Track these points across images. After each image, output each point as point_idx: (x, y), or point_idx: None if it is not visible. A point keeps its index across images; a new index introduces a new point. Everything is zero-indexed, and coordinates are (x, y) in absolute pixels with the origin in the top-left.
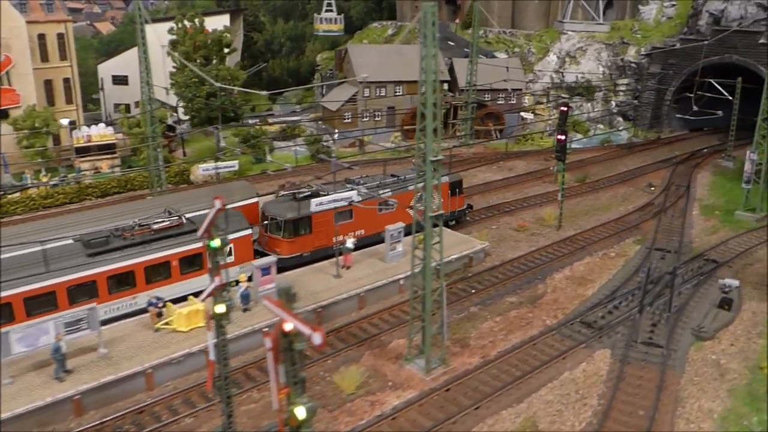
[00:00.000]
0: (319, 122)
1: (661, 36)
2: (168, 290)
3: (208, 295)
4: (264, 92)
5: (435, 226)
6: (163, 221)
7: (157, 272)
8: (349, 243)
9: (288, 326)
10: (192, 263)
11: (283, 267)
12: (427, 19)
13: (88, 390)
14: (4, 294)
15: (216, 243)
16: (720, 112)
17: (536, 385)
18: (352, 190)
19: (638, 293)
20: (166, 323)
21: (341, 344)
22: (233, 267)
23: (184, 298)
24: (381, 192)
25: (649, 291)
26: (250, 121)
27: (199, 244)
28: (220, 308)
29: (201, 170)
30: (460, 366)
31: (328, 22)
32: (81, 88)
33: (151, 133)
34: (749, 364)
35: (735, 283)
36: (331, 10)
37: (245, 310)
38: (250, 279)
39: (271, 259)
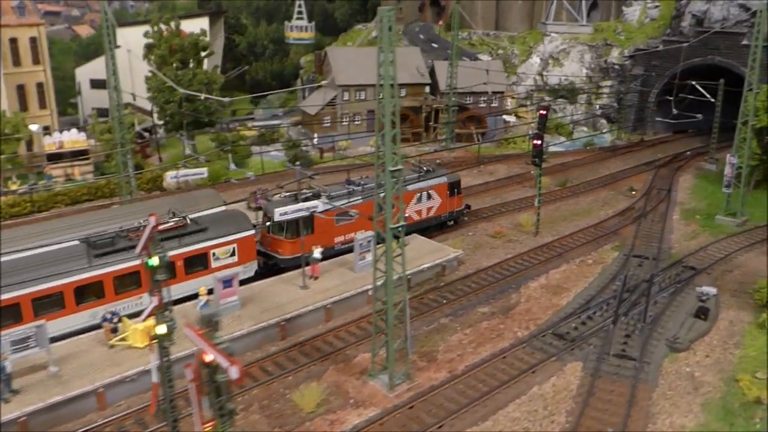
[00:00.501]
0: (299, 126)
1: (644, 37)
2: (173, 290)
3: (148, 315)
4: (227, 99)
5: (397, 237)
6: (168, 222)
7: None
8: (317, 253)
9: (209, 357)
10: (196, 263)
11: (285, 267)
12: (384, 24)
13: (34, 411)
14: (13, 294)
15: (154, 261)
16: (700, 115)
17: (503, 401)
18: (350, 193)
19: (613, 302)
20: (122, 339)
21: (304, 359)
22: (237, 267)
23: (187, 299)
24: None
25: (625, 300)
26: (229, 126)
27: (204, 245)
28: (162, 329)
29: (169, 178)
30: (425, 381)
31: (298, 30)
32: (60, 93)
33: (120, 139)
34: (724, 377)
35: (712, 291)
36: (302, 18)
37: None
38: (211, 292)
39: (234, 270)
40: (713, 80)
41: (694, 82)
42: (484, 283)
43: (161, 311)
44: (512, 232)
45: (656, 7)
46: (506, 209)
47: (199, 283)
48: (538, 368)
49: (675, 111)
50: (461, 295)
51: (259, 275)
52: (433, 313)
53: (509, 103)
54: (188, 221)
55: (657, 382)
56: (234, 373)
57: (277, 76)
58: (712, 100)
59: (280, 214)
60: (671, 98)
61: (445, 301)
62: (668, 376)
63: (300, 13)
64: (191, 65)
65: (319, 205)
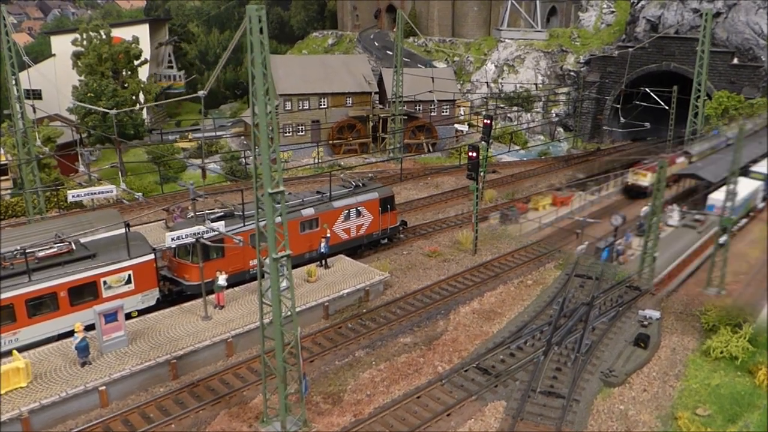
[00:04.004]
0: (242, 138)
1: (600, 43)
2: (55, 324)
3: None
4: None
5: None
6: (50, 248)
7: (43, 305)
8: (221, 279)
9: None
10: (83, 293)
11: (192, 294)
12: (254, 26)
13: None
14: None
15: None
16: (647, 124)
17: None
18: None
19: (548, 330)
20: None
21: (194, 402)
22: (134, 296)
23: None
24: (303, 210)
25: (560, 327)
26: (170, 137)
27: (92, 273)
28: None
29: (71, 196)
30: (325, 428)
31: (167, 79)
32: None
33: (24, 154)
34: (662, 414)
35: (656, 314)
36: (171, 67)
37: (83, 364)
38: (91, 327)
39: (118, 303)
40: (671, 87)
41: (647, 89)
42: (411, 309)
43: None
44: (449, 250)
45: (612, 12)
46: (447, 225)
47: (86, 315)
48: (454, 410)
49: (623, 119)
50: (383, 324)
51: (168, 303)
52: (348, 345)
53: (462, 112)
54: (73, 246)
55: (586, 424)
56: None
57: (231, 85)
58: (666, 107)
59: (172, 239)
60: (618, 106)
61: (364, 331)
62: (599, 416)
63: (170, 62)
64: (124, 74)
65: (203, 230)
